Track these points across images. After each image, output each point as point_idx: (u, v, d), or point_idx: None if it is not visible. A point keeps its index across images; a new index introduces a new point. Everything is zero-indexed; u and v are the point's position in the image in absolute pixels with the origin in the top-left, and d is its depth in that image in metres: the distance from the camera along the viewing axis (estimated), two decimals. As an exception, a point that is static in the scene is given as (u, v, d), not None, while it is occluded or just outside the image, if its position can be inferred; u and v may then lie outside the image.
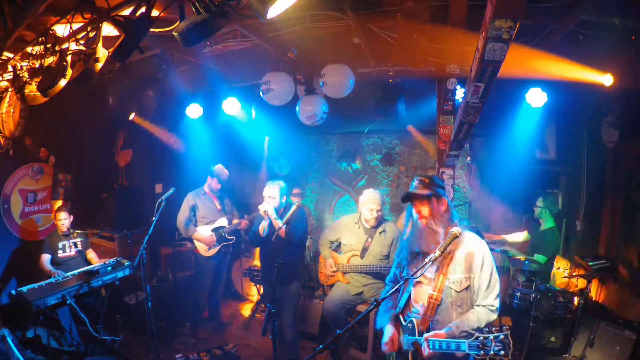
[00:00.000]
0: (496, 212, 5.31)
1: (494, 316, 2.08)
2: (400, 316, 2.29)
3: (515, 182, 4.84)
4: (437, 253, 2.01)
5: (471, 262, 2.11)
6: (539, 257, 4.12)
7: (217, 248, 4.52)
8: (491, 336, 1.82)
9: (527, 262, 3.99)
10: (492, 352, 1.80)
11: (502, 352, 1.79)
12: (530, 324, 3.64)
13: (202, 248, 4.49)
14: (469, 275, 2.11)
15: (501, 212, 5.26)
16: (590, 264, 3.89)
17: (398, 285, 2.03)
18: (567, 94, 3.98)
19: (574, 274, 4.09)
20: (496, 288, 2.10)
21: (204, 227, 4.51)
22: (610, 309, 3.82)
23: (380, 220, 3.76)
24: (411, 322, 2.19)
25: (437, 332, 2.02)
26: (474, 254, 2.11)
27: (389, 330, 2.26)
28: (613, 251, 4.09)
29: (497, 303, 2.09)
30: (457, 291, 2.10)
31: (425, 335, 2.02)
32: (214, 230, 4.51)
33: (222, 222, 4.59)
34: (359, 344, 4.11)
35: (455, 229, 2.08)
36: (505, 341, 1.80)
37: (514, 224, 5.07)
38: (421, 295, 2.19)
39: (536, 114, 4.31)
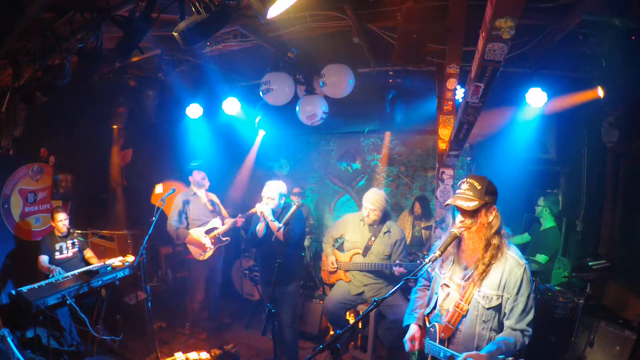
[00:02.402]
0: (496, 212, 5.30)
1: (526, 342, 1.95)
2: (426, 318, 2.26)
3: (515, 182, 4.81)
4: (437, 253, 1.99)
5: (508, 281, 1.97)
6: (541, 257, 4.12)
7: (212, 251, 4.37)
8: None
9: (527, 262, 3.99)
10: None
11: None
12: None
13: (196, 252, 4.34)
14: (501, 294, 1.98)
15: (501, 211, 5.25)
16: (590, 264, 3.88)
17: (398, 285, 2.00)
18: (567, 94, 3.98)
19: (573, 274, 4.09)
20: (531, 314, 1.96)
21: (197, 229, 4.34)
22: (610, 309, 3.81)
23: (383, 220, 3.77)
24: (434, 326, 2.15)
25: (478, 353, 1.88)
26: (512, 273, 1.97)
27: (412, 329, 2.24)
28: (613, 251, 4.08)
29: (531, 329, 1.95)
30: (485, 307, 2.00)
31: (467, 353, 1.89)
32: (208, 232, 4.36)
33: (215, 223, 4.42)
34: (359, 344, 4.11)
35: (455, 229, 2.04)
36: None
37: (513, 223, 5.06)
38: (448, 301, 2.13)
39: (536, 114, 4.31)
